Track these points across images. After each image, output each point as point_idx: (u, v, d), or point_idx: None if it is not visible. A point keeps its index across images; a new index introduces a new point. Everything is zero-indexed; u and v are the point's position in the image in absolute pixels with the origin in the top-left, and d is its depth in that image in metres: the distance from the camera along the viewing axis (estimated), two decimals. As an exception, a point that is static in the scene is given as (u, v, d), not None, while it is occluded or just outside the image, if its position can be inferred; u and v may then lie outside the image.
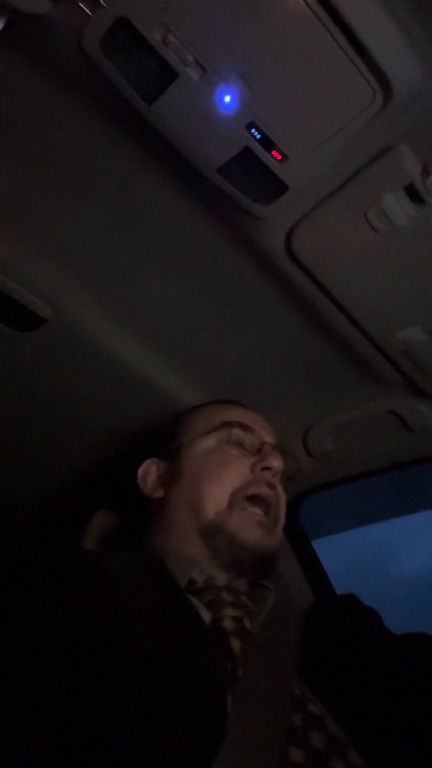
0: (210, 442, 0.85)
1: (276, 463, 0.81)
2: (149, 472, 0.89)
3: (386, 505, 1.29)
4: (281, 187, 0.70)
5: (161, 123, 0.66)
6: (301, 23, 0.57)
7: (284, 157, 0.66)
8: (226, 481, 0.79)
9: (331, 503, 1.26)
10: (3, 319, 0.99)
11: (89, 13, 0.56)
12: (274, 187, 0.70)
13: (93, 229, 0.87)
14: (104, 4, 0.56)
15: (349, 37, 0.57)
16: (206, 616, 0.67)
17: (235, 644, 0.64)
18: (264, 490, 0.80)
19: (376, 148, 0.67)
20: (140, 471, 0.89)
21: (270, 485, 0.81)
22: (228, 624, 0.66)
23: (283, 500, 0.84)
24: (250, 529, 0.76)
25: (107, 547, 0.88)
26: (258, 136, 0.65)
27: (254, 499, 0.79)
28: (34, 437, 1.22)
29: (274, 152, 0.66)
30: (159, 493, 0.85)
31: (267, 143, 0.65)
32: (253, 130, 0.64)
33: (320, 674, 0.66)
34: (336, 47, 0.58)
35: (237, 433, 0.85)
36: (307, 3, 0.55)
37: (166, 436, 0.93)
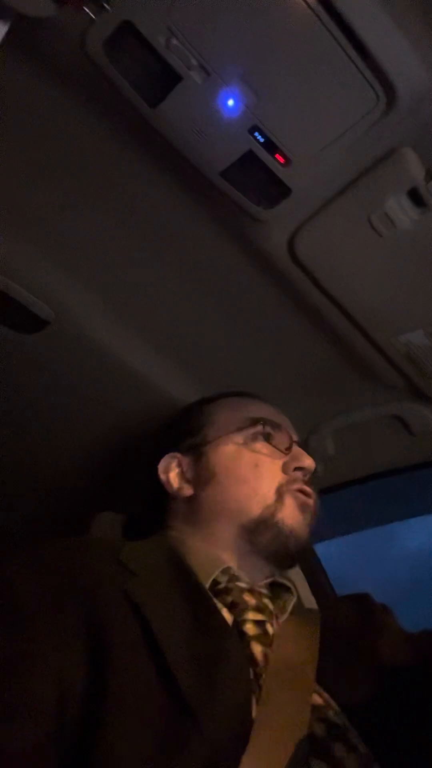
0: (239, 439, 0.82)
1: (308, 462, 0.80)
2: (170, 467, 0.85)
3: (391, 508, 1.28)
4: (284, 191, 0.70)
5: (165, 126, 0.66)
6: (304, 27, 0.57)
7: (288, 161, 0.66)
8: (266, 479, 0.78)
9: (335, 505, 1.25)
10: (5, 321, 0.99)
11: (93, 16, 0.56)
12: (277, 191, 0.70)
13: (95, 231, 0.87)
14: (108, 8, 0.56)
15: (353, 40, 0.57)
16: (228, 617, 0.66)
17: (257, 649, 0.63)
18: (304, 488, 0.79)
19: (380, 152, 0.67)
20: (161, 466, 0.85)
21: (308, 483, 0.80)
22: (250, 628, 0.65)
23: (315, 498, 0.82)
24: (297, 514, 0.76)
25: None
26: (261, 140, 0.65)
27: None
28: (37, 438, 1.22)
29: (277, 156, 0.66)
30: (187, 492, 0.82)
31: (270, 147, 0.65)
32: (256, 134, 0.64)
33: (339, 682, 0.65)
34: (339, 51, 0.58)
35: (267, 431, 0.82)
36: (310, 7, 0.55)
37: (185, 430, 0.89)
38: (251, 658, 0.62)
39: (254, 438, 0.82)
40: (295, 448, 0.83)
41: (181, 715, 0.51)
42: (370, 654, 0.69)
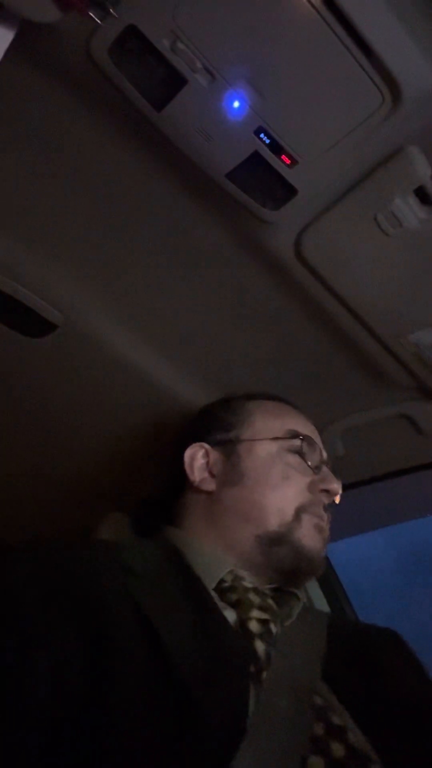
0: (274, 448, 0.81)
1: (335, 486, 0.80)
2: (196, 456, 0.83)
3: (404, 506, 1.27)
4: (291, 192, 0.70)
5: (170, 129, 0.67)
6: (308, 27, 0.57)
7: (293, 162, 0.66)
8: (291, 496, 0.77)
9: (344, 506, 1.25)
10: (14, 325, 1.00)
11: (98, 21, 0.56)
12: (283, 192, 0.70)
13: (103, 235, 0.87)
14: (113, 13, 0.56)
15: (357, 39, 0.57)
16: (231, 616, 0.66)
17: (260, 647, 0.63)
18: (321, 513, 0.79)
19: (386, 151, 0.67)
20: (187, 454, 0.83)
21: (325, 508, 0.80)
22: (253, 626, 0.65)
23: (329, 521, 0.82)
24: (315, 536, 0.76)
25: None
26: (267, 141, 0.65)
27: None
28: (45, 441, 1.23)
29: (283, 157, 0.66)
30: (209, 486, 0.81)
31: (276, 148, 0.65)
32: (261, 135, 0.64)
33: (347, 685, 0.65)
34: (344, 50, 0.58)
35: (303, 447, 0.82)
36: (314, 6, 0.55)
37: (217, 423, 0.87)
38: (253, 655, 0.62)
39: (289, 450, 0.81)
40: (325, 470, 0.82)
41: (180, 706, 0.52)
42: (383, 691, 0.69)
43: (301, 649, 0.68)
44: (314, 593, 1.21)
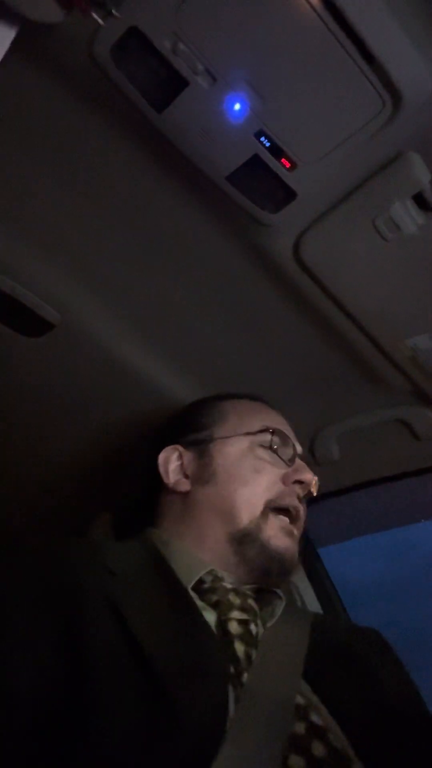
0: (245, 443, 0.82)
1: (309, 476, 0.80)
2: (171, 459, 0.84)
3: (398, 511, 1.27)
4: (290, 195, 0.70)
5: (171, 130, 0.67)
6: (310, 32, 0.57)
7: (293, 165, 0.66)
8: (262, 488, 0.78)
9: (339, 510, 1.25)
10: (12, 324, 0.99)
11: (100, 22, 0.56)
12: (282, 195, 0.70)
13: (101, 235, 0.87)
14: (116, 14, 0.56)
15: (358, 45, 0.57)
16: (211, 616, 0.66)
17: (240, 648, 0.63)
18: (295, 503, 0.79)
19: (385, 156, 0.67)
20: (161, 457, 0.84)
21: (299, 499, 0.80)
22: (233, 627, 0.66)
23: (305, 513, 0.83)
24: (282, 538, 0.76)
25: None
26: (267, 144, 0.65)
27: (283, 511, 0.78)
28: (40, 440, 1.23)
29: (283, 160, 0.66)
30: (184, 487, 0.82)
31: (276, 151, 0.65)
32: (262, 138, 0.65)
33: (329, 685, 0.65)
34: (345, 55, 0.58)
35: (274, 440, 0.82)
36: (316, 12, 0.56)
37: (191, 425, 0.88)
38: (233, 656, 0.62)
39: (261, 445, 0.82)
40: (298, 462, 0.83)
41: (159, 706, 0.52)
42: (365, 691, 0.69)
43: (283, 649, 0.68)
44: (307, 595, 1.21)
